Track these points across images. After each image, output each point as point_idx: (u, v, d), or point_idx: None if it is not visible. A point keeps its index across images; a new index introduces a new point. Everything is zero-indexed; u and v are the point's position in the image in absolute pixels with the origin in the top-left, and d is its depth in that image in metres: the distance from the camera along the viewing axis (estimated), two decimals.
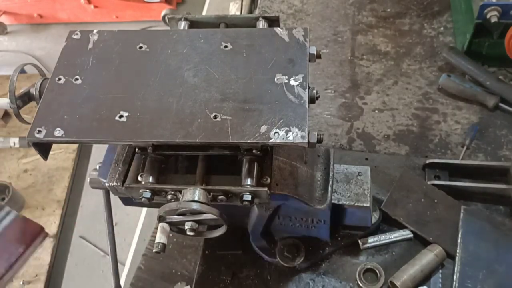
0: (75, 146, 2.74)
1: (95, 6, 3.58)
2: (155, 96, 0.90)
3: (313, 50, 0.93)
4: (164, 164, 0.96)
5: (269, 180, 0.92)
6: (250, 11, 2.04)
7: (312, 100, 0.89)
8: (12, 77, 0.94)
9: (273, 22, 1.06)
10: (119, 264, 1.31)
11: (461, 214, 1.21)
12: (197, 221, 1.01)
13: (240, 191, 0.90)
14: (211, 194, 0.91)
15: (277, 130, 0.84)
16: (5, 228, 2.29)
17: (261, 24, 1.05)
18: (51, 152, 0.95)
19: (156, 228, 1.02)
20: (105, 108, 0.89)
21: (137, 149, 0.97)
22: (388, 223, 1.26)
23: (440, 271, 1.17)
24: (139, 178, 0.94)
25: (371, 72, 1.62)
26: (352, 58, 1.66)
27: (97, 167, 1.07)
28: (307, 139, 0.83)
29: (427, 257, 1.16)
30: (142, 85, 0.91)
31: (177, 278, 1.37)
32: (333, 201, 1.09)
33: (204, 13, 2.58)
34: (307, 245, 1.21)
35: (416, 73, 1.60)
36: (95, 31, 1.00)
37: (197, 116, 0.87)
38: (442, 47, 1.62)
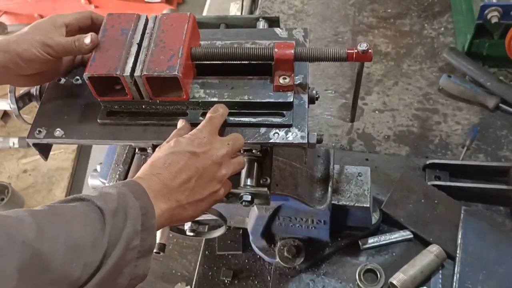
0: (75, 146, 2.74)
1: (96, 6, 3.57)
2: None
3: None
4: None
5: (269, 181, 0.92)
6: (251, 11, 2.04)
7: (312, 100, 0.89)
8: None
9: (273, 22, 1.06)
10: None
11: (462, 215, 1.21)
12: (197, 222, 1.01)
13: (240, 192, 0.90)
14: None
15: (277, 130, 0.84)
16: None
17: (261, 24, 1.05)
18: (51, 152, 0.95)
19: None
20: None
21: (137, 150, 0.97)
22: (388, 223, 1.26)
23: (440, 271, 1.17)
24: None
25: (372, 73, 1.62)
26: None
27: (97, 168, 1.07)
28: (306, 140, 0.83)
29: (427, 257, 1.16)
30: None
31: (177, 278, 1.37)
32: (333, 202, 1.09)
33: (204, 13, 2.57)
34: (307, 245, 1.21)
35: (416, 74, 1.60)
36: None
37: None
38: (442, 47, 1.62)
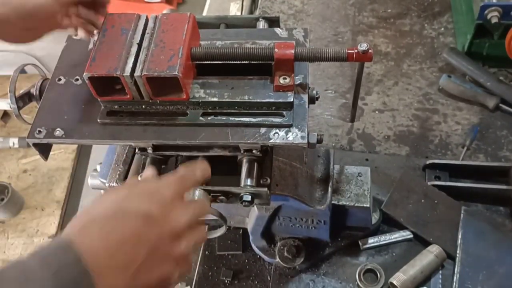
0: (75, 146, 2.73)
1: None
2: None
3: None
4: (164, 164, 0.96)
5: (269, 181, 0.92)
6: (251, 11, 2.04)
7: (312, 100, 0.89)
8: (12, 77, 0.94)
9: (273, 22, 1.06)
10: None
11: (462, 215, 1.21)
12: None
13: (240, 192, 0.90)
14: (211, 194, 0.91)
15: (277, 130, 0.84)
16: None
17: (261, 24, 1.05)
18: (51, 152, 0.95)
19: None
20: None
21: (137, 150, 0.97)
22: (388, 223, 1.26)
23: (440, 272, 1.17)
24: (139, 179, 0.94)
25: (372, 73, 1.62)
26: None
27: (97, 168, 1.07)
28: (307, 140, 0.83)
29: (427, 258, 1.16)
30: None
31: None
32: (333, 202, 1.09)
33: (204, 13, 2.57)
34: (307, 245, 1.21)
35: (416, 74, 1.60)
36: (95, 32, 0.99)
37: None
38: (442, 47, 1.62)
